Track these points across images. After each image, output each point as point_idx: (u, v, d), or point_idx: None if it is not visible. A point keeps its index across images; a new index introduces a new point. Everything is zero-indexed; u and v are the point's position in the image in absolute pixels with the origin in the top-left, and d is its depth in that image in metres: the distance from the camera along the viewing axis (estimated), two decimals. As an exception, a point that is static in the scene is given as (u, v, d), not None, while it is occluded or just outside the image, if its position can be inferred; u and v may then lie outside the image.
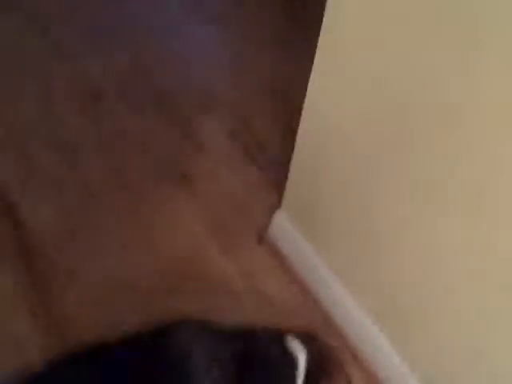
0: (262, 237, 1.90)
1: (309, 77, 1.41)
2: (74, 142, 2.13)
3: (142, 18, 2.64)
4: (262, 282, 1.76)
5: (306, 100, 1.48)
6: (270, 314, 1.64)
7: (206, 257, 1.83)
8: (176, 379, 1.11)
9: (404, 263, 1.37)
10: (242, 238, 1.90)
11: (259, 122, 2.26)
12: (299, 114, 1.52)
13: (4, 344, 1.54)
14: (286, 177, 1.73)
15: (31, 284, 1.70)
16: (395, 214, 1.34)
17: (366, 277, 1.53)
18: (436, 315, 1.35)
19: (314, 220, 1.69)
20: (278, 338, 1.27)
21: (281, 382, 1.23)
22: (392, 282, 1.44)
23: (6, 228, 1.83)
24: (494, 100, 1.00)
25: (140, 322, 1.14)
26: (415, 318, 1.41)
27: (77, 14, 2.61)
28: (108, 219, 1.90)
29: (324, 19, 1.27)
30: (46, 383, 1.09)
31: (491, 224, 1.11)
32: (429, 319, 1.38)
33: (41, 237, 1.81)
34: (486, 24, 0.95)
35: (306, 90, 1.44)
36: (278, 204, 1.84)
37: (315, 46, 1.33)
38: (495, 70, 0.97)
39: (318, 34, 1.31)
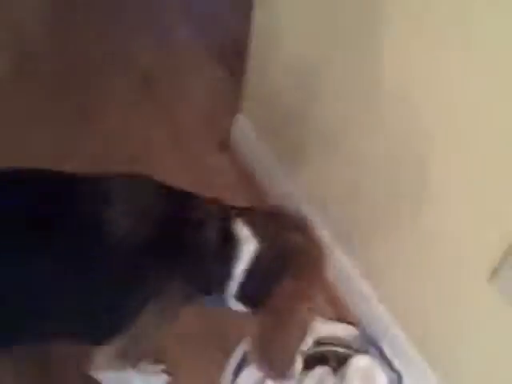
0: (223, 144, 1.82)
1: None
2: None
3: None
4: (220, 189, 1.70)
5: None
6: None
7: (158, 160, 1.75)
8: (83, 223, 1.01)
9: (359, 165, 1.34)
10: (202, 145, 1.83)
11: (232, 24, 2.14)
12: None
13: None
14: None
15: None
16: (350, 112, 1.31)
17: (322, 176, 1.50)
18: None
19: (272, 124, 1.63)
20: (222, 214, 1.09)
21: (207, 265, 1.06)
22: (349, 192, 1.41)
23: None
24: None
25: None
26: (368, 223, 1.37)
27: None
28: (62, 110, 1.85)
29: None
30: None
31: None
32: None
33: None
34: None
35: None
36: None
37: None
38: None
39: None
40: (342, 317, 1.45)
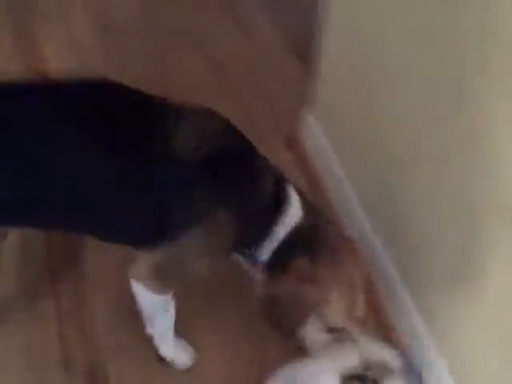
0: (291, 140, 1.80)
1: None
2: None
3: None
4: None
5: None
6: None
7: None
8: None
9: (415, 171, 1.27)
10: (269, 136, 1.81)
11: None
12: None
13: None
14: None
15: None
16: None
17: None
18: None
19: (344, 129, 1.60)
20: (279, 175, 1.14)
21: (255, 212, 1.09)
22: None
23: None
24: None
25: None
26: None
27: None
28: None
29: None
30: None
31: None
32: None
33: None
34: None
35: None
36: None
37: None
38: None
39: None
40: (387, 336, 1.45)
